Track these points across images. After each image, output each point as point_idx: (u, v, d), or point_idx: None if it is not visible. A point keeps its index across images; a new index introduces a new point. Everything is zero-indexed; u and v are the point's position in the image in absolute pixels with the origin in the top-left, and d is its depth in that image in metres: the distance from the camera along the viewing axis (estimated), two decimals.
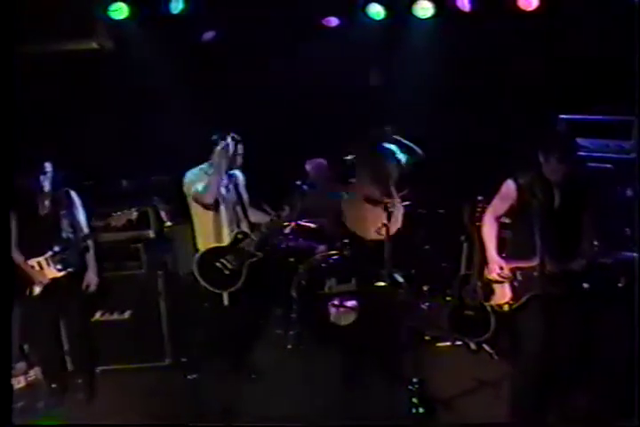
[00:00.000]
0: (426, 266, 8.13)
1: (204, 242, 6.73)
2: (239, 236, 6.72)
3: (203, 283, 6.63)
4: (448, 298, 7.45)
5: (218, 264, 6.67)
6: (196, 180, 6.68)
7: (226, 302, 6.67)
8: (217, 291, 6.65)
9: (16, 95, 5.20)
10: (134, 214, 6.43)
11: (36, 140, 7.37)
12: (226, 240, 6.72)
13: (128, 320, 7.25)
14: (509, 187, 5.65)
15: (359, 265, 7.58)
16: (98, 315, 7.23)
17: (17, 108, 5.30)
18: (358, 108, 9.09)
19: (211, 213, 6.70)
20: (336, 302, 7.40)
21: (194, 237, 6.81)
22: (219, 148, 6.65)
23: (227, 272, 6.65)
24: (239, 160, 6.83)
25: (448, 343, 7.38)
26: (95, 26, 8.09)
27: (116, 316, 7.25)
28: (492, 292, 5.71)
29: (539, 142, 5.59)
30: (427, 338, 7.48)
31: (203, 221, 6.73)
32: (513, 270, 5.59)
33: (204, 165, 6.78)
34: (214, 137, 6.73)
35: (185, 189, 6.75)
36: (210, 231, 6.70)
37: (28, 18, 7.24)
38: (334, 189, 8.25)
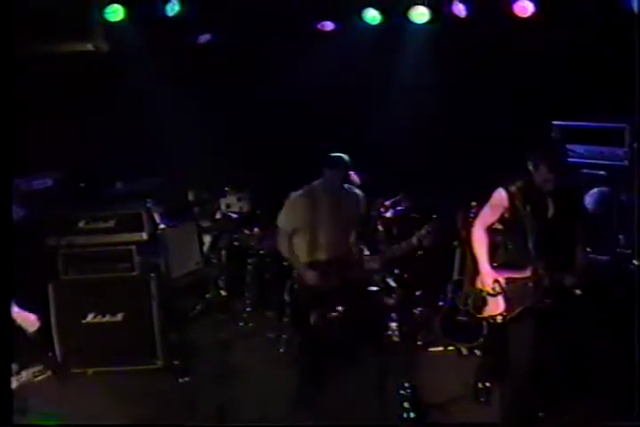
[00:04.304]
0: (419, 271, 8.12)
1: None
2: None
3: None
4: (440, 303, 7.46)
5: None
6: None
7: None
8: None
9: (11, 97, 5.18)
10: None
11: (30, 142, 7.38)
12: None
13: (120, 322, 7.24)
14: (501, 195, 5.55)
15: None
16: (90, 317, 7.23)
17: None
18: (353, 113, 9.11)
19: None
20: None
21: None
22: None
23: None
24: None
25: (440, 348, 7.39)
26: (91, 28, 8.08)
27: (108, 318, 7.24)
28: (484, 303, 5.64)
29: (528, 150, 5.53)
30: (419, 343, 7.49)
31: None
32: (507, 282, 5.53)
33: None
34: None
35: None
36: None
37: (23, 19, 7.24)
38: None
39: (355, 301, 6.58)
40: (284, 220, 6.72)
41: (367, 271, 6.82)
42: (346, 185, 6.88)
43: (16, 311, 5.52)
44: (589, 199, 6.81)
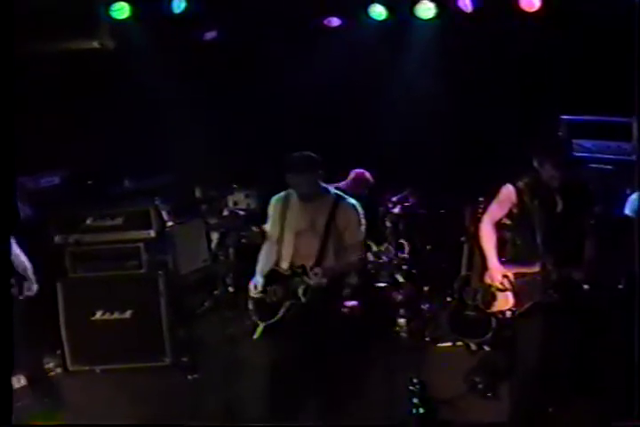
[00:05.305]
0: (427, 266, 8.12)
1: None
2: None
3: None
4: (449, 299, 7.45)
5: None
6: None
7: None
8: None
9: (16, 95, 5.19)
10: None
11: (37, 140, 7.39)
12: None
13: (128, 320, 7.24)
14: (509, 191, 5.57)
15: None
16: (99, 314, 7.24)
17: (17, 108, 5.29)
18: (360, 108, 9.11)
19: None
20: None
21: None
22: None
23: None
24: None
25: (448, 344, 7.38)
26: (97, 25, 8.09)
27: (116, 315, 7.24)
28: (493, 298, 5.63)
29: (533, 148, 5.53)
30: (427, 339, 7.48)
31: None
32: (515, 277, 5.53)
33: None
34: None
35: None
36: None
37: (29, 17, 7.24)
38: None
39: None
40: (269, 225, 6.26)
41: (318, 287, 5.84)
42: (335, 191, 6.11)
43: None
44: (630, 206, 6.65)
